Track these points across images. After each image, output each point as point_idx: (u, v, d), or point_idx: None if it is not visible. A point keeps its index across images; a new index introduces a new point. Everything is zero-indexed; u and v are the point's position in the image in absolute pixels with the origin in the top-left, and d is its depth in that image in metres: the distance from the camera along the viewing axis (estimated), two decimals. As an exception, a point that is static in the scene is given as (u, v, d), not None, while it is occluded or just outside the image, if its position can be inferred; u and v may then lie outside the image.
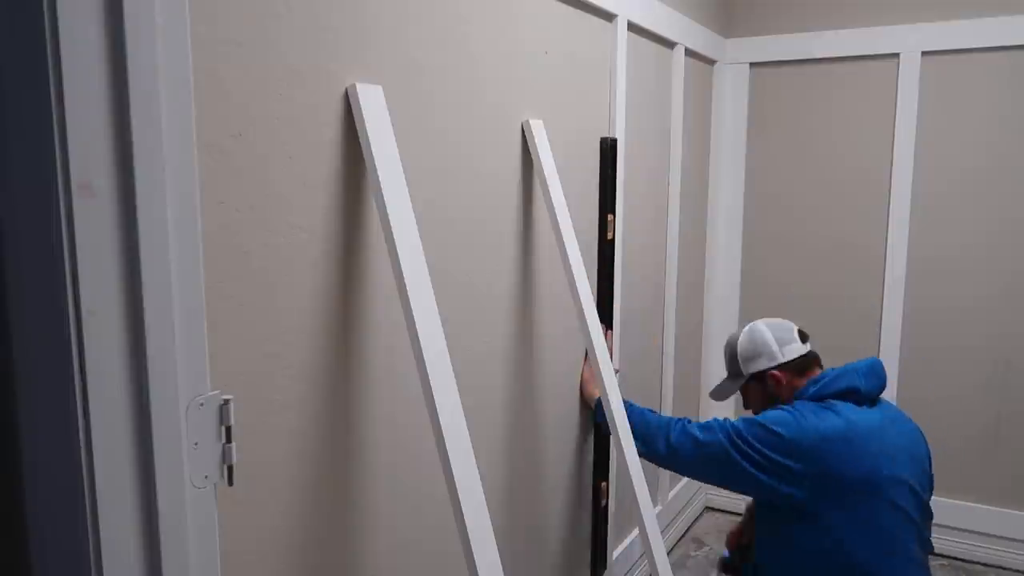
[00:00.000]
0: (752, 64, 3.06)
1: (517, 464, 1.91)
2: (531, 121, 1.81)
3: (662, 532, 2.71)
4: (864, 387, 1.82)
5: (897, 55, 2.79)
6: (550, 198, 1.82)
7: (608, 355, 1.96)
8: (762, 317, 2.03)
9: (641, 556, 2.59)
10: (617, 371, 2.13)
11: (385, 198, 1.28)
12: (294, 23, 1.17)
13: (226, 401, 0.89)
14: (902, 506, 1.72)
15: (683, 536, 3.02)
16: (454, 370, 1.31)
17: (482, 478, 1.30)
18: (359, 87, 1.28)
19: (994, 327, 2.76)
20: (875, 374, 1.86)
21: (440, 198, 1.53)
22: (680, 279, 2.82)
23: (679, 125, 2.70)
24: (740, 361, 1.95)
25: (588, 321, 1.88)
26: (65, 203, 0.73)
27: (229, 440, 0.90)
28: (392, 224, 1.28)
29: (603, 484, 2.29)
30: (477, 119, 1.63)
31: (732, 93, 3.09)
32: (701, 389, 3.22)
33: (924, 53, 2.75)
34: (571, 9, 1.97)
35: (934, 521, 1.87)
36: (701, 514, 3.22)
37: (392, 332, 1.40)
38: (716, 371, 3.16)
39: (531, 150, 1.82)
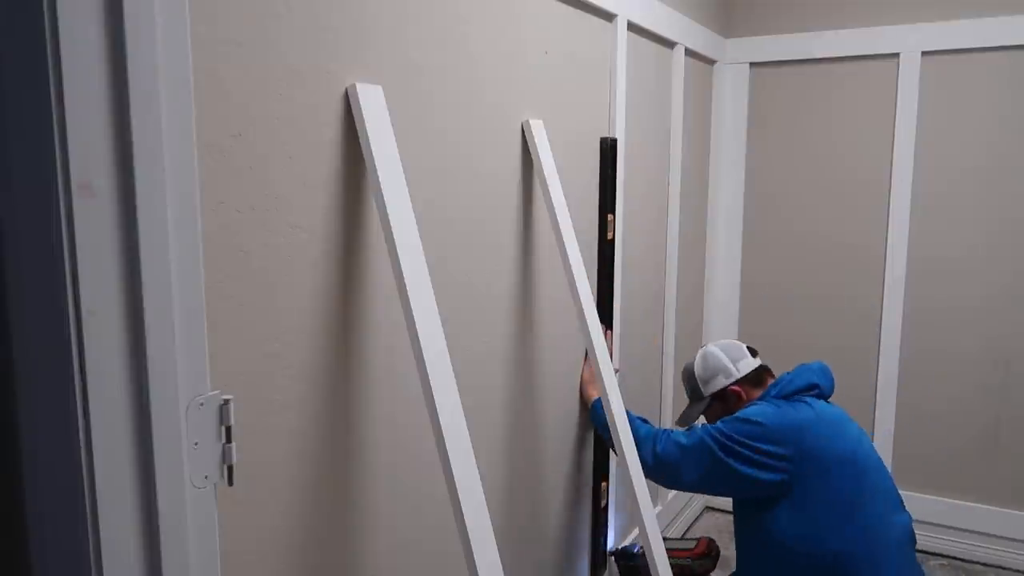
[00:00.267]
0: (752, 64, 3.06)
1: (517, 464, 1.91)
2: (531, 121, 1.81)
3: (662, 532, 2.71)
4: (822, 383, 1.91)
5: (897, 55, 2.79)
6: (550, 198, 1.82)
7: (608, 355, 1.96)
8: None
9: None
10: (617, 371, 2.14)
11: (385, 198, 1.28)
12: (294, 23, 1.17)
13: (226, 401, 0.89)
14: (883, 491, 1.77)
15: (683, 536, 3.02)
16: (454, 370, 1.31)
17: (482, 478, 1.30)
18: (359, 87, 1.28)
19: (994, 328, 2.76)
20: (827, 375, 1.96)
21: (440, 198, 1.53)
22: (680, 279, 2.82)
23: (679, 125, 2.70)
24: (699, 383, 2.03)
25: (588, 321, 1.88)
26: (65, 203, 0.73)
27: (229, 440, 0.90)
28: (392, 224, 1.28)
29: (603, 484, 2.30)
30: (477, 119, 1.63)
31: (732, 93, 3.09)
32: (701, 389, 3.22)
33: (924, 53, 2.75)
34: (571, 9, 1.97)
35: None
36: (701, 514, 3.22)
37: (392, 332, 1.40)
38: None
39: (531, 150, 1.82)
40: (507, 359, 1.83)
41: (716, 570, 2.25)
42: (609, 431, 1.92)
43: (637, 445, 1.92)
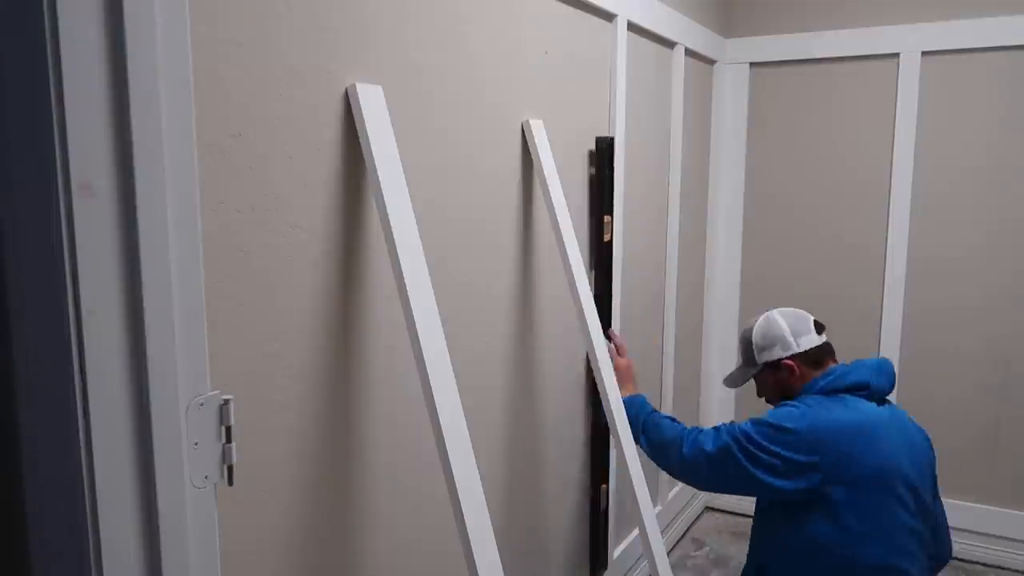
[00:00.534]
0: (752, 64, 3.06)
1: (517, 464, 1.91)
2: (531, 121, 1.81)
3: (662, 532, 2.71)
4: (875, 383, 1.80)
5: (897, 55, 2.79)
6: (550, 198, 1.82)
7: (607, 354, 1.96)
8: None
9: (641, 556, 2.59)
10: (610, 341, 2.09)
11: (385, 198, 1.28)
12: (294, 23, 1.17)
13: (226, 401, 0.89)
14: (909, 506, 1.71)
15: (683, 536, 3.02)
16: (454, 370, 1.31)
17: (482, 478, 1.30)
18: (359, 87, 1.28)
19: (994, 328, 2.76)
20: (884, 372, 1.85)
21: (440, 198, 1.53)
22: (680, 279, 2.82)
23: (679, 125, 2.70)
24: (755, 350, 1.92)
25: (588, 321, 1.88)
26: (65, 203, 0.73)
27: (229, 440, 0.90)
28: (392, 224, 1.28)
29: (603, 486, 2.29)
30: (477, 119, 1.63)
31: (732, 93, 3.09)
32: (701, 389, 3.22)
33: (924, 53, 2.75)
34: (571, 9, 1.97)
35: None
36: (701, 514, 3.22)
37: (392, 332, 1.40)
38: (716, 371, 3.16)
39: (531, 150, 1.82)
40: (507, 359, 1.83)
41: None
42: (633, 427, 1.92)
43: (664, 447, 1.88)
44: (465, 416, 1.31)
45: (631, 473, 1.89)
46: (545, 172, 1.81)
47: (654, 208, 2.63)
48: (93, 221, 0.75)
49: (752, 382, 2.00)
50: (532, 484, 1.99)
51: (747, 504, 2.67)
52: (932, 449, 1.85)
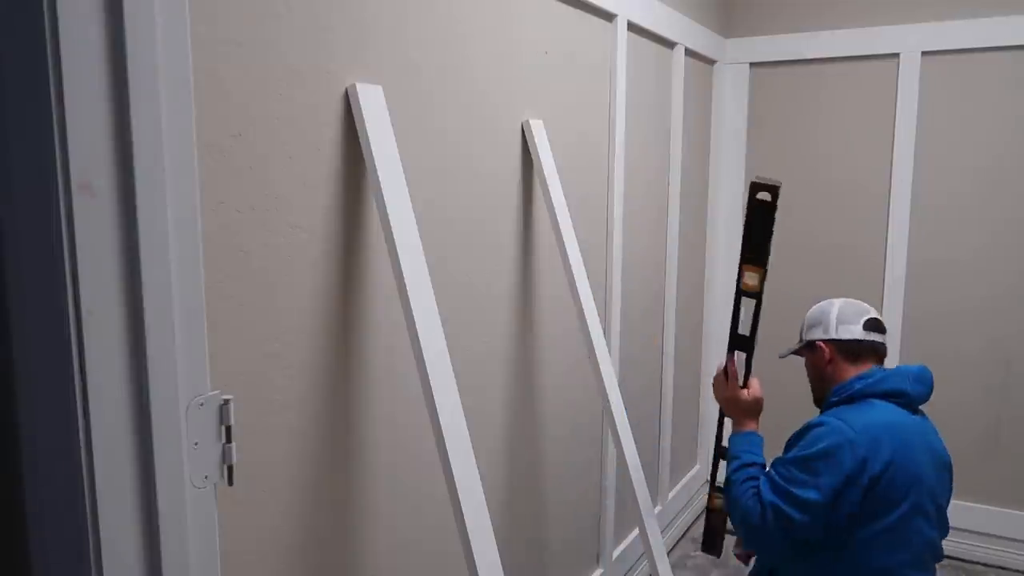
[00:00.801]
0: (752, 64, 3.05)
1: (517, 464, 1.91)
2: (531, 121, 1.81)
3: (662, 532, 2.71)
4: (912, 391, 1.75)
5: (897, 55, 2.79)
6: (550, 198, 1.82)
7: (607, 354, 1.96)
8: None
9: (641, 556, 2.59)
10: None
11: (385, 198, 1.28)
12: (294, 23, 1.17)
13: (226, 401, 0.89)
14: (931, 518, 1.69)
15: (683, 536, 3.02)
16: (454, 370, 1.31)
17: (482, 478, 1.30)
18: (359, 87, 1.28)
19: (994, 328, 2.76)
20: (923, 381, 1.79)
21: (440, 198, 1.53)
22: (680, 279, 2.82)
23: (679, 125, 2.70)
24: (804, 326, 1.90)
25: (588, 321, 1.88)
26: (65, 203, 0.73)
27: (229, 440, 0.90)
28: (392, 224, 1.28)
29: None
30: (477, 119, 1.63)
31: (732, 93, 3.09)
32: (701, 389, 3.22)
33: (924, 53, 2.75)
34: (571, 9, 1.97)
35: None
36: (701, 514, 3.21)
37: (392, 332, 1.40)
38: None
39: (531, 150, 1.82)
40: (507, 359, 1.83)
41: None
42: (731, 473, 1.75)
43: (735, 511, 1.73)
44: (465, 416, 1.31)
45: (631, 473, 1.90)
46: (545, 172, 1.81)
47: (654, 208, 2.63)
48: (93, 221, 0.75)
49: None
50: (532, 484, 1.99)
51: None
52: (950, 457, 1.83)
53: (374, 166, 1.28)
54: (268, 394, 1.17)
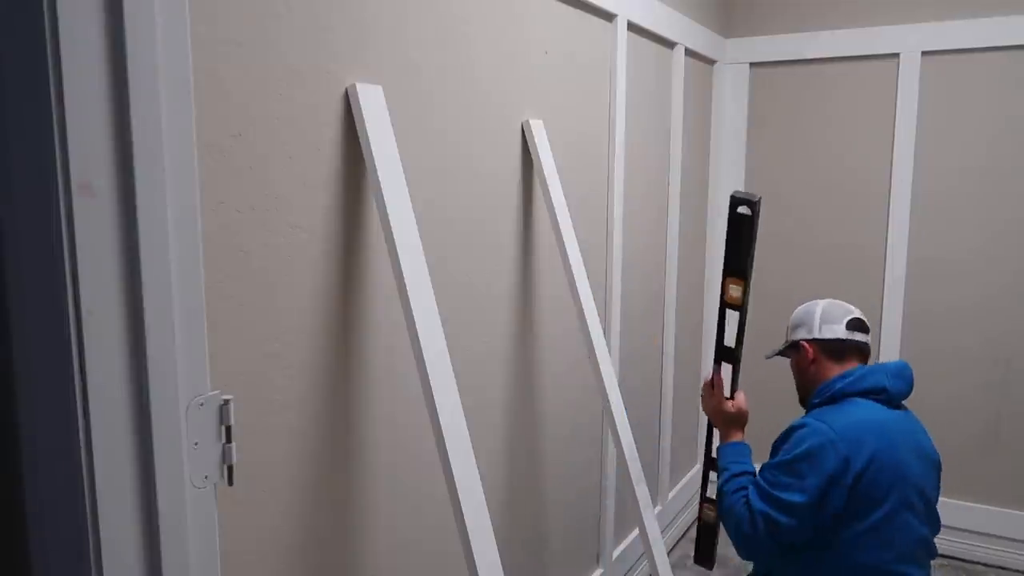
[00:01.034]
0: (752, 64, 3.06)
1: (517, 464, 1.91)
2: (531, 121, 1.81)
3: (662, 532, 2.71)
4: (892, 387, 1.76)
5: (897, 55, 2.79)
6: (550, 198, 1.82)
7: (607, 354, 1.96)
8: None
9: (641, 556, 2.59)
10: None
11: (385, 198, 1.28)
12: (294, 23, 1.17)
13: (226, 401, 0.89)
14: (920, 513, 1.69)
15: (683, 536, 3.02)
16: (454, 370, 1.31)
17: (482, 478, 1.30)
18: (359, 87, 1.28)
19: (994, 327, 2.76)
20: (902, 376, 1.80)
21: (440, 198, 1.53)
22: (680, 279, 2.82)
23: (679, 125, 2.70)
24: (789, 327, 1.92)
25: (588, 321, 1.88)
26: (65, 203, 0.73)
27: (229, 440, 0.90)
28: (392, 224, 1.28)
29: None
30: (477, 119, 1.63)
31: (732, 93, 3.09)
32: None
33: (924, 53, 2.75)
34: (571, 9, 1.97)
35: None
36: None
37: (392, 332, 1.40)
38: (716, 371, 3.16)
39: (531, 150, 1.82)
40: (507, 359, 1.83)
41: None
42: (722, 485, 1.78)
43: (727, 519, 1.76)
44: (465, 416, 1.31)
45: (631, 473, 1.89)
46: (545, 172, 1.81)
47: (654, 208, 2.63)
48: (93, 221, 0.75)
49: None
50: (532, 484, 1.99)
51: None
52: (937, 453, 1.84)
53: (374, 166, 1.28)
54: (268, 394, 1.17)
